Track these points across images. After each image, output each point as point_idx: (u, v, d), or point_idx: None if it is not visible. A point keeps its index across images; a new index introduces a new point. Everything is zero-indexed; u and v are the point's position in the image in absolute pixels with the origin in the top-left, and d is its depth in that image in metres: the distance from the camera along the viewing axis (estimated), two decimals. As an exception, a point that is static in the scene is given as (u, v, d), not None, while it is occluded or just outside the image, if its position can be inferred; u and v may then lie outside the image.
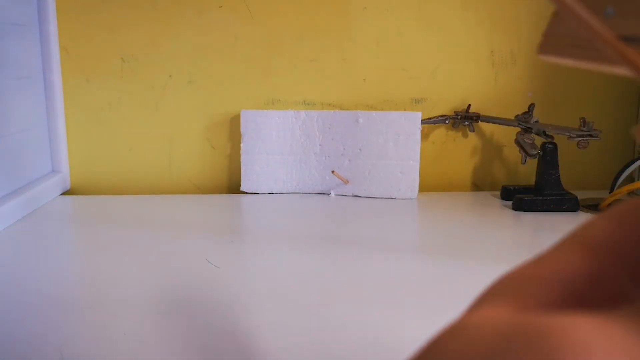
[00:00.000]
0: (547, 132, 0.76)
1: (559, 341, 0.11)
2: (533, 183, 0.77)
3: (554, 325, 0.12)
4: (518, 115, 0.78)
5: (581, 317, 0.12)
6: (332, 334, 0.40)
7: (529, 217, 0.71)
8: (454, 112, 0.83)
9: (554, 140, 0.75)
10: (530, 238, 0.66)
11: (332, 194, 0.80)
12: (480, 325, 0.13)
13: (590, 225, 0.16)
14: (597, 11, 0.17)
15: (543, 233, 0.66)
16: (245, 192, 0.81)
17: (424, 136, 0.84)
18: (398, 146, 0.78)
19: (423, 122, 0.79)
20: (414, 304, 0.46)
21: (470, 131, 0.84)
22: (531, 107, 0.77)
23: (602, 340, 0.11)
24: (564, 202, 0.73)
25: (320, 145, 0.80)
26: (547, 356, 0.11)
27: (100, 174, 0.84)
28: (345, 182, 0.79)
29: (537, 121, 0.77)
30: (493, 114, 0.82)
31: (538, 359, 0.11)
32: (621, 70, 0.17)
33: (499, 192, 0.81)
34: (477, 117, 0.82)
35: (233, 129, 0.83)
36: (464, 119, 0.82)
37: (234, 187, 0.84)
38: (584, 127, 0.75)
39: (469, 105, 0.82)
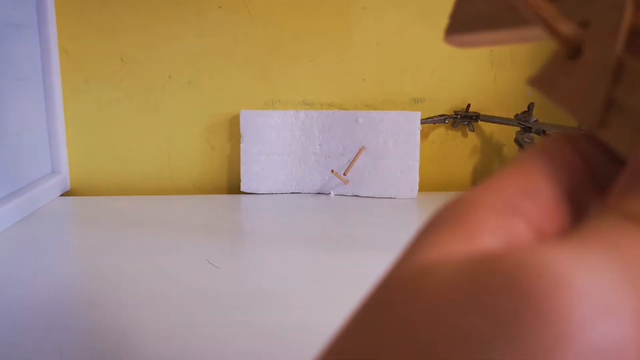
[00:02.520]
0: (546, 132, 0.76)
1: (540, 280, 0.10)
2: None
3: (532, 261, 0.11)
4: (518, 114, 0.78)
5: (557, 248, 0.11)
6: (331, 334, 0.40)
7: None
8: (454, 111, 0.83)
9: (554, 140, 0.75)
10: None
11: (332, 194, 0.80)
12: (439, 270, 0.12)
13: (547, 144, 0.15)
14: None
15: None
16: (245, 192, 0.81)
17: (424, 136, 0.84)
18: (398, 146, 0.78)
19: (423, 121, 0.79)
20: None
21: (470, 131, 0.84)
22: (531, 106, 0.77)
23: (584, 273, 0.10)
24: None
25: (319, 145, 0.80)
26: (528, 296, 0.10)
27: (100, 175, 0.84)
28: (345, 182, 0.79)
29: (536, 120, 0.77)
30: (493, 114, 0.82)
31: (518, 299, 0.10)
32: (537, 34, 0.16)
33: (498, 192, 0.81)
34: (476, 117, 0.82)
35: (233, 129, 0.83)
36: (464, 118, 0.82)
37: (233, 187, 0.84)
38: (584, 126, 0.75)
39: (469, 105, 0.82)
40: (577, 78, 0.15)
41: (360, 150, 0.78)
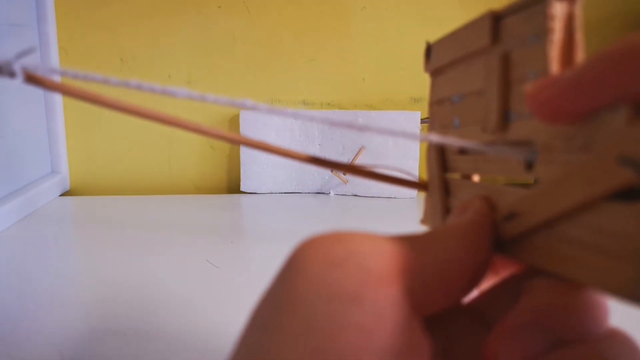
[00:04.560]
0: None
1: (298, 247, 0.15)
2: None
3: (311, 238, 0.15)
4: (517, 114, 0.78)
5: (344, 233, 0.16)
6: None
7: (528, 216, 0.70)
8: (454, 111, 0.83)
9: (554, 139, 0.75)
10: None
11: (332, 193, 0.80)
12: None
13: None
14: (448, 124, 0.22)
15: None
16: (245, 192, 0.81)
17: (424, 135, 0.84)
18: (398, 146, 0.78)
19: (422, 121, 0.79)
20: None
21: (470, 130, 0.84)
22: (530, 106, 0.77)
23: (331, 236, 0.15)
24: (563, 201, 0.73)
25: (319, 145, 0.80)
26: (287, 258, 0.15)
27: (100, 175, 0.84)
28: (345, 181, 0.79)
29: (536, 120, 0.77)
30: (492, 113, 0.82)
31: (284, 263, 0.15)
32: None
33: (498, 191, 0.81)
34: (476, 117, 0.82)
35: (232, 129, 0.83)
36: (464, 118, 0.82)
37: (233, 187, 0.84)
38: (584, 125, 0.75)
39: (469, 105, 0.82)
40: (430, 202, 0.24)
41: (359, 150, 0.77)
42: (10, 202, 0.65)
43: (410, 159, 0.78)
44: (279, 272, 0.15)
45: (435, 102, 0.24)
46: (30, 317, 0.43)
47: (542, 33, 0.15)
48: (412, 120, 0.77)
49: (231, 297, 0.47)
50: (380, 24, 0.82)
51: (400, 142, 0.78)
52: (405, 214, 0.73)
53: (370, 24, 0.82)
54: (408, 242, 0.15)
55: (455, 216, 0.17)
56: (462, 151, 0.21)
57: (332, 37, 0.82)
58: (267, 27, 0.81)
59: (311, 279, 0.13)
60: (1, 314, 0.44)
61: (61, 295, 0.47)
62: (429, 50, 0.23)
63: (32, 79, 0.17)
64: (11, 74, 0.16)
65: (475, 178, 0.22)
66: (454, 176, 0.22)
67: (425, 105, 0.83)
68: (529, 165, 0.17)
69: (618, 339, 0.14)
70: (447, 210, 0.21)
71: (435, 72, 0.23)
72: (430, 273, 0.14)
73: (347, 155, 0.79)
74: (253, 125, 0.80)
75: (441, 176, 0.22)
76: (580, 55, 0.15)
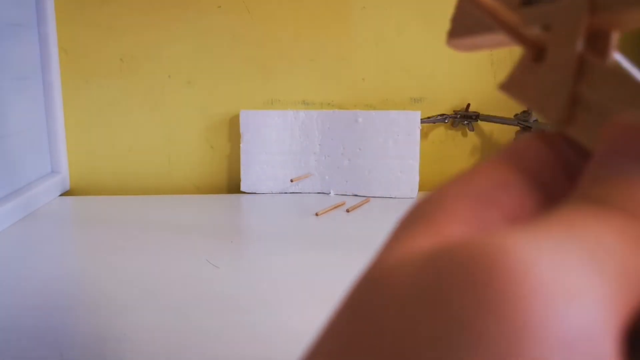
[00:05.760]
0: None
1: (495, 270, 0.10)
2: None
3: (487, 245, 0.10)
4: (517, 114, 0.78)
5: (516, 234, 0.10)
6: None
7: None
8: (454, 111, 0.83)
9: (554, 139, 0.75)
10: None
11: (332, 193, 0.80)
12: (402, 267, 0.11)
13: (519, 142, 0.15)
14: None
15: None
16: (245, 192, 0.81)
17: (424, 135, 0.84)
18: (397, 145, 0.78)
19: (422, 121, 0.79)
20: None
21: (470, 130, 0.84)
22: (530, 106, 0.77)
23: (543, 258, 0.10)
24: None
25: (319, 145, 0.80)
26: (482, 282, 0.09)
27: (100, 175, 0.84)
28: (307, 176, 0.79)
29: (536, 120, 0.77)
30: (492, 113, 0.82)
31: (472, 295, 0.09)
32: (505, 39, 0.17)
33: (498, 191, 0.81)
34: (476, 116, 0.82)
35: (232, 129, 0.83)
36: (464, 118, 0.82)
37: (233, 187, 0.84)
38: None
39: (469, 105, 0.82)
40: (543, 79, 0.16)
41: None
42: (10, 202, 0.65)
43: (410, 159, 0.78)
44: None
45: None
46: (30, 317, 0.43)
47: None
48: (412, 120, 0.77)
49: (231, 296, 0.47)
50: (380, 23, 0.82)
51: (401, 142, 0.78)
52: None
53: (370, 24, 0.82)
54: (611, 275, 0.10)
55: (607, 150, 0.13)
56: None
57: (332, 37, 0.82)
58: (267, 27, 0.81)
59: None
60: (1, 314, 0.44)
61: (61, 295, 0.47)
62: None
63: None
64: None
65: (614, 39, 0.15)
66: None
67: (425, 105, 0.84)
68: None
69: None
70: (572, 99, 0.15)
71: None
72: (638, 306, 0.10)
73: (347, 155, 0.79)
74: (253, 125, 0.80)
75: (579, 47, 0.15)
76: None
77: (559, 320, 0.09)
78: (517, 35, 0.16)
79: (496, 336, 0.09)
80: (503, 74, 0.84)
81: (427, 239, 0.12)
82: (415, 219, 0.14)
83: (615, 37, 0.15)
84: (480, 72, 0.84)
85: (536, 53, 0.16)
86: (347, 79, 0.83)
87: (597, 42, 0.15)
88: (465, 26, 0.19)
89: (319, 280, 0.50)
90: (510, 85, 0.17)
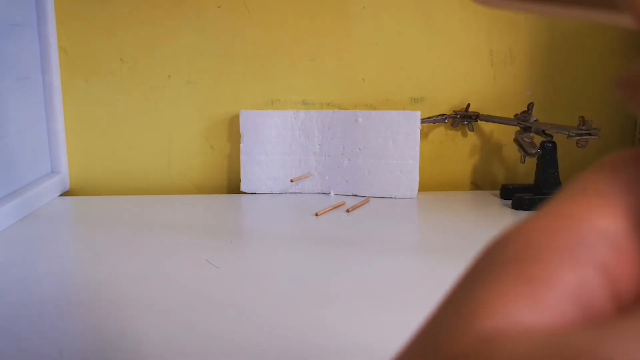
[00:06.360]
0: (546, 131, 0.76)
1: None
2: (532, 182, 0.77)
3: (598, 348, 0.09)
4: (517, 114, 0.78)
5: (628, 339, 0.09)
6: (332, 334, 0.40)
7: (528, 216, 0.71)
8: (453, 111, 0.83)
9: (553, 139, 0.75)
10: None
11: (332, 193, 0.80)
12: (515, 344, 0.10)
13: (617, 163, 0.12)
14: None
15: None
16: (245, 192, 0.81)
17: (424, 135, 0.84)
18: (397, 146, 0.78)
19: (422, 121, 0.79)
20: (414, 303, 0.46)
21: (470, 130, 0.84)
22: (530, 106, 0.77)
23: None
24: (563, 201, 0.72)
25: (319, 145, 0.80)
26: None
27: (100, 175, 0.84)
28: (307, 176, 0.79)
29: (536, 120, 0.77)
30: (492, 113, 0.82)
31: None
32: (608, 17, 0.13)
33: (498, 191, 0.81)
34: (476, 116, 0.82)
35: (232, 129, 0.83)
36: (463, 118, 0.82)
37: (233, 187, 0.84)
38: (583, 125, 0.75)
39: (468, 105, 0.82)
40: None
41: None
42: (10, 202, 0.65)
43: (410, 159, 0.78)
44: None
45: None
46: (30, 317, 0.43)
47: None
48: (412, 120, 0.77)
49: (231, 296, 0.47)
50: (380, 23, 0.82)
51: (401, 142, 0.78)
52: (406, 214, 0.73)
53: (370, 24, 0.82)
54: None
55: None
56: None
57: (332, 37, 0.82)
58: (267, 27, 0.81)
59: None
60: (1, 314, 0.44)
61: (61, 295, 0.47)
62: None
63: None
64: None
65: None
66: None
67: (425, 105, 0.84)
68: None
69: None
70: None
71: None
72: None
73: (347, 155, 0.79)
74: (253, 125, 0.80)
75: None
76: None
77: None
78: None
79: None
80: (503, 74, 0.84)
81: (528, 311, 0.10)
82: (501, 275, 0.11)
83: None
84: (480, 73, 0.84)
85: None
86: (347, 79, 0.83)
87: None
88: None
89: (319, 280, 0.51)
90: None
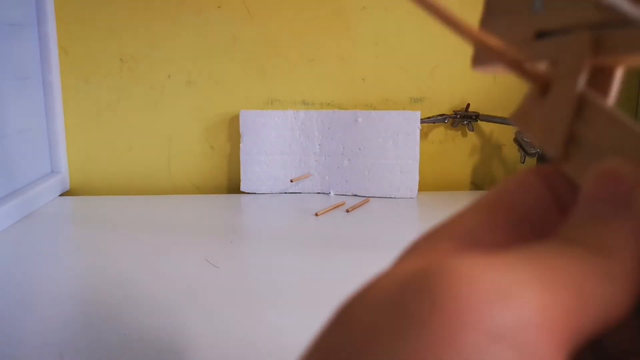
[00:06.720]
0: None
1: (445, 280, 0.12)
2: None
3: (448, 266, 0.12)
4: (517, 114, 0.78)
5: (475, 256, 0.13)
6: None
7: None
8: (453, 111, 0.83)
9: (553, 139, 0.75)
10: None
11: (332, 193, 0.80)
12: (386, 283, 0.13)
13: (515, 178, 0.17)
14: (525, 6, 0.18)
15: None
16: (245, 192, 0.81)
17: (423, 135, 0.84)
18: (397, 145, 0.78)
19: (422, 121, 0.79)
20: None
21: (470, 130, 0.84)
22: (530, 106, 0.77)
23: (485, 271, 0.12)
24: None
25: (319, 145, 0.80)
26: (433, 294, 0.12)
27: (100, 175, 0.84)
28: (307, 176, 0.79)
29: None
30: (492, 113, 0.82)
31: (426, 298, 0.12)
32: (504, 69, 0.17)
33: (498, 191, 0.81)
34: (476, 116, 0.82)
35: (232, 129, 0.83)
36: (463, 118, 0.82)
37: (233, 187, 0.84)
38: (583, 125, 0.75)
39: (468, 105, 0.82)
40: (546, 114, 0.16)
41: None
42: (10, 202, 0.65)
43: (410, 159, 0.78)
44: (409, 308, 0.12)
45: None
46: (30, 317, 0.43)
47: None
48: (412, 120, 0.77)
49: (231, 296, 0.47)
50: (380, 23, 0.82)
51: (400, 142, 0.78)
52: (405, 214, 0.73)
53: (370, 24, 0.82)
54: (562, 293, 0.12)
55: (592, 187, 0.14)
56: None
57: (331, 37, 0.82)
58: (267, 27, 0.81)
59: (463, 348, 0.11)
60: (1, 314, 0.44)
61: (61, 295, 0.47)
62: None
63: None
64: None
65: (618, 75, 0.16)
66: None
67: (425, 105, 0.84)
68: None
69: None
70: (569, 136, 0.15)
71: None
72: (589, 329, 0.12)
73: (347, 155, 0.79)
74: (253, 126, 0.80)
75: (580, 86, 0.15)
76: None
77: (492, 314, 0.11)
78: (521, 71, 0.16)
79: (437, 328, 0.11)
80: (503, 74, 0.84)
81: (412, 262, 0.14)
82: (408, 253, 0.16)
83: (619, 75, 0.16)
84: (480, 73, 0.84)
85: (542, 88, 0.16)
86: (347, 79, 0.83)
87: (601, 78, 0.15)
88: (485, 55, 0.20)
89: (319, 280, 0.51)
90: (518, 117, 0.18)
